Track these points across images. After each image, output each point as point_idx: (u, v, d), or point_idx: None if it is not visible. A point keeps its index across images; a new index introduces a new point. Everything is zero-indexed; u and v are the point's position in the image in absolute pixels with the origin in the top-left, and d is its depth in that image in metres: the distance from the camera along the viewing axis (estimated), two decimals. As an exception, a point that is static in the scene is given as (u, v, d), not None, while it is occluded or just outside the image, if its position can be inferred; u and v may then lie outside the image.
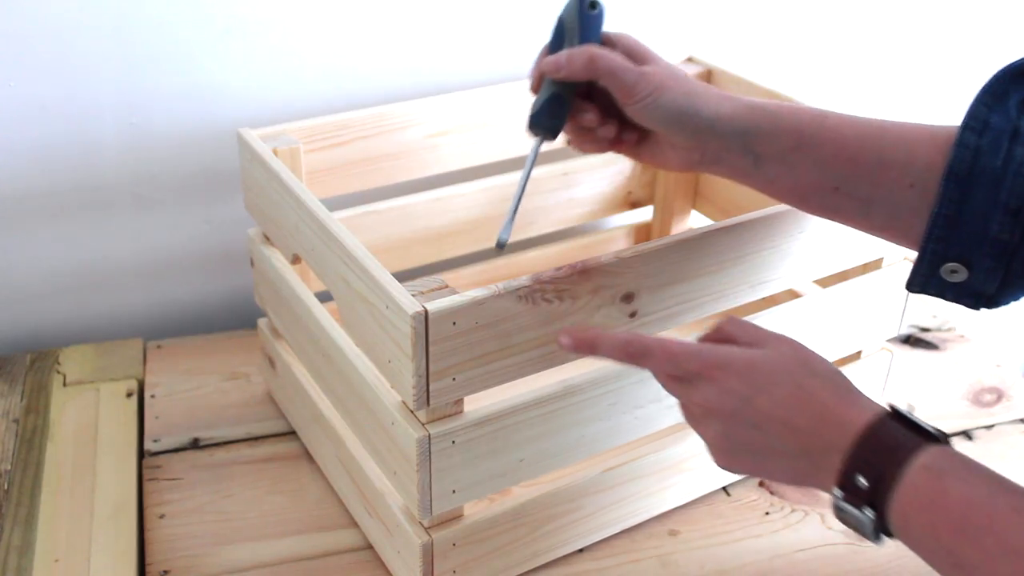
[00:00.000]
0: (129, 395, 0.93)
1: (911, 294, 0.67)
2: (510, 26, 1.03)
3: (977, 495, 0.52)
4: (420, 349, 0.60)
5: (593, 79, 0.65)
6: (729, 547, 0.80)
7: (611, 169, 1.04)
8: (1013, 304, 0.65)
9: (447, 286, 0.63)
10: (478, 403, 0.66)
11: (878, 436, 0.56)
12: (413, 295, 0.61)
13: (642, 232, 1.10)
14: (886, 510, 0.54)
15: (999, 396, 0.98)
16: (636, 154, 0.70)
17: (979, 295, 0.64)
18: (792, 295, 0.90)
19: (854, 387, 0.60)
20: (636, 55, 0.66)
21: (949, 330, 1.08)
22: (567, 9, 0.67)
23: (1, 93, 0.89)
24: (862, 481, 0.55)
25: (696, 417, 0.62)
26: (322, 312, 0.75)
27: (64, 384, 0.94)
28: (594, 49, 0.64)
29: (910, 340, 1.06)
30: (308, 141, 0.85)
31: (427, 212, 0.93)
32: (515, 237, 1.00)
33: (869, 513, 0.55)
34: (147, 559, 0.77)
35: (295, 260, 0.79)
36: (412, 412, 0.65)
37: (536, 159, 0.69)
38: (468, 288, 0.62)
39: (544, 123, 0.67)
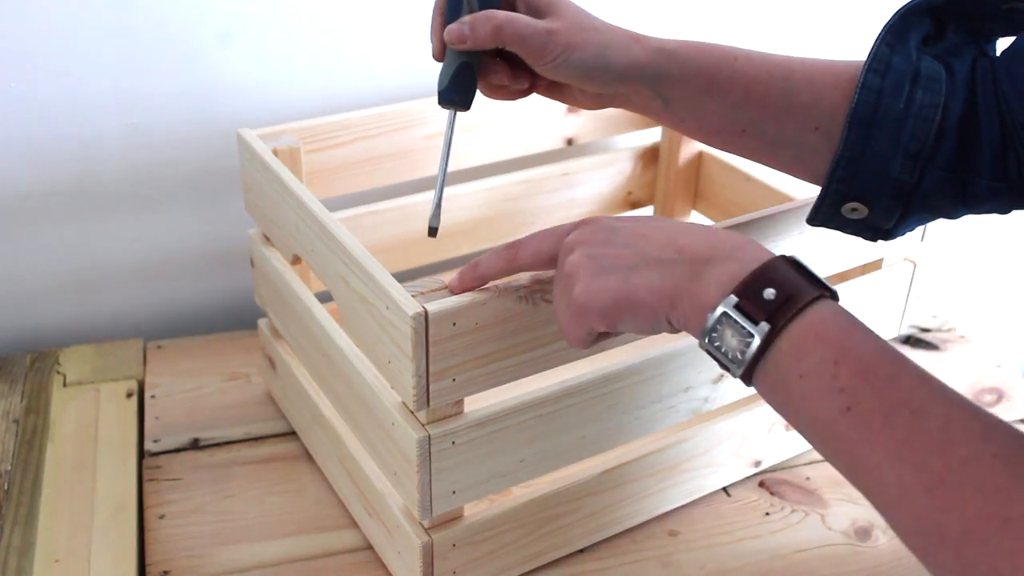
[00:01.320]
0: (129, 395, 0.93)
1: (816, 226, 0.69)
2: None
3: (888, 349, 0.48)
4: (420, 350, 0.60)
5: (499, 47, 0.64)
6: (729, 547, 0.80)
7: (611, 169, 1.04)
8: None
9: (447, 286, 0.63)
10: (478, 404, 0.66)
11: (793, 262, 0.51)
12: (413, 296, 0.61)
13: (642, 232, 1.10)
14: (782, 331, 0.48)
15: (999, 396, 0.98)
16: (549, 95, 0.70)
17: (876, 229, 0.66)
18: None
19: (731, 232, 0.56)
20: (539, 7, 0.65)
21: (949, 330, 1.08)
22: None
23: (1, 93, 0.89)
24: (769, 292, 0.49)
25: (565, 265, 0.56)
26: (322, 312, 0.75)
27: (64, 384, 0.94)
28: (497, 17, 0.63)
29: (910, 340, 1.06)
30: (308, 141, 0.85)
31: (427, 212, 0.93)
32: (516, 237, 1.00)
33: (764, 328, 0.48)
34: (147, 559, 0.77)
35: (295, 260, 0.79)
36: (412, 413, 0.65)
37: (453, 132, 0.67)
38: (468, 288, 0.62)
39: (455, 98, 0.65)
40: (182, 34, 0.92)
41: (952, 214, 0.67)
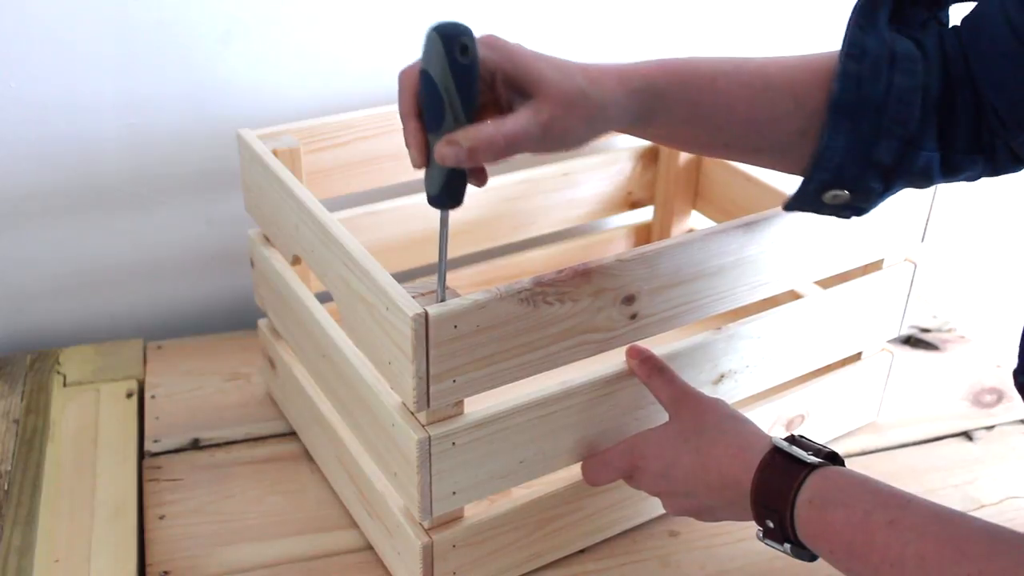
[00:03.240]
0: (129, 395, 0.93)
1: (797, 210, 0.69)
2: (509, 26, 1.03)
3: (853, 517, 0.57)
4: (420, 351, 0.60)
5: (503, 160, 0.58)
6: (729, 547, 0.80)
7: (611, 169, 1.03)
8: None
9: (447, 288, 0.63)
10: (478, 404, 0.66)
11: (767, 483, 0.62)
12: (413, 296, 0.61)
13: (642, 232, 1.10)
14: (794, 540, 0.61)
15: (999, 396, 0.98)
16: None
17: (854, 208, 0.67)
18: (793, 296, 0.90)
19: (743, 430, 0.66)
20: (522, 84, 0.58)
21: (949, 331, 1.08)
22: (430, 58, 0.56)
23: (1, 93, 0.89)
24: (770, 524, 0.61)
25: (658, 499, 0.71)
26: (322, 313, 0.75)
27: (64, 384, 0.94)
28: (495, 141, 0.56)
29: (910, 341, 1.06)
30: (308, 141, 0.85)
31: (427, 212, 0.92)
32: (516, 237, 1.00)
33: (788, 547, 0.61)
34: (147, 559, 0.77)
35: (295, 261, 0.79)
36: (412, 414, 0.65)
37: (448, 228, 0.62)
38: (468, 288, 0.62)
39: (448, 202, 0.60)
40: (182, 34, 0.92)
41: (927, 184, 0.67)
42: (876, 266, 0.83)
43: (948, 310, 1.11)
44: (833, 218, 0.68)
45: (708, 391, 0.77)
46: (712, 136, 0.66)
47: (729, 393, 0.79)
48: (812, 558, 0.62)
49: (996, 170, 0.66)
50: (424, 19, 1.01)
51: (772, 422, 0.84)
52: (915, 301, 0.87)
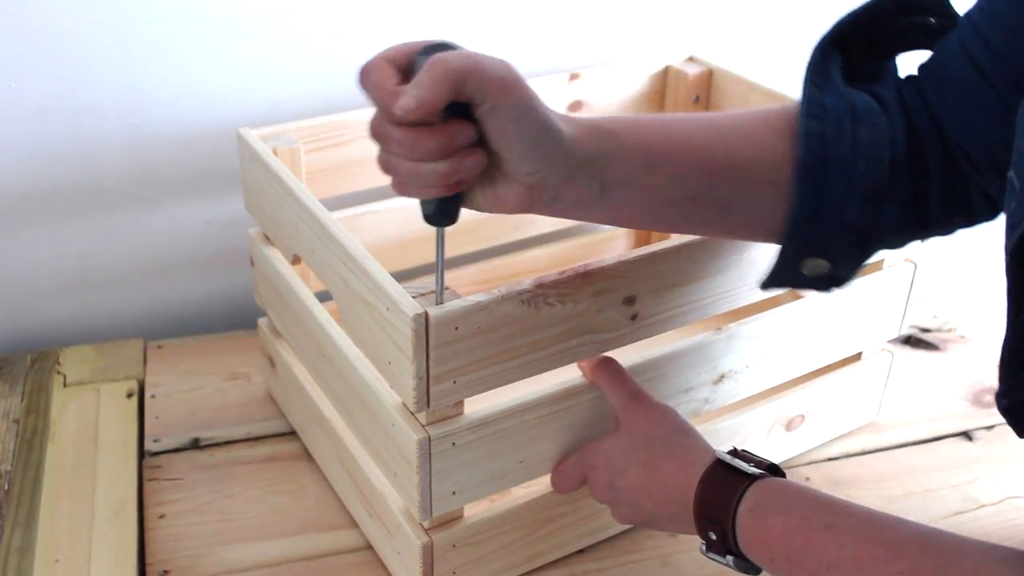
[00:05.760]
0: (129, 395, 0.93)
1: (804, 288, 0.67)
2: (509, 26, 1.03)
3: (792, 523, 0.58)
4: (420, 351, 0.60)
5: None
6: (729, 548, 0.80)
7: (611, 169, 1.03)
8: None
9: (447, 287, 0.63)
10: (478, 404, 0.66)
11: (709, 495, 0.62)
12: (413, 296, 0.61)
13: (642, 233, 1.10)
14: (739, 554, 0.61)
15: (999, 396, 0.98)
16: (471, 197, 0.59)
17: (835, 279, 0.65)
18: (793, 296, 0.90)
19: (689, 444, 0.66)
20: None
21: (949, 330, 1.08)
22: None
23: (1, 93, 0.89)
24: (712, 536, 0.61)
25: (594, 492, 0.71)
26: (322, 312, 0.75)
27: (64, 384, 0.94)
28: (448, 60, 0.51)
29: (910, 340, 1.06)
30: (308, 141, 0.85)
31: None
32: (516, 236, 1.00)
33: (731, 559, 0.61)
34: (147, 559, 0.77)
35: (295, 260, 0.79)
36: (412, 414, 0.65)
37: (444, 244, 0.62)
38: (468, 288, 0.62)
39: (444, 221, 0.59)
40: (182, 34, 0.92)
41: (902, 244, 0.66)
42: (876, 266, 0.83)
43: (948, 310, 1.11)
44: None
45: (708, 391, 0.77)
46: (675, 188, 0.60)
47: (729, 393, 0.79)
48: (756, 571, 0.61)
49: (973, 220, 0.64)
50: (423, 20, 1.01)
51: (772, 422, 0.84)
52: (915, 301, 0.87)
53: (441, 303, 0.61)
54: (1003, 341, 0.54)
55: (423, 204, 0.58)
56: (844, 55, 0.63)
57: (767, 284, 0.65)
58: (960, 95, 0.60)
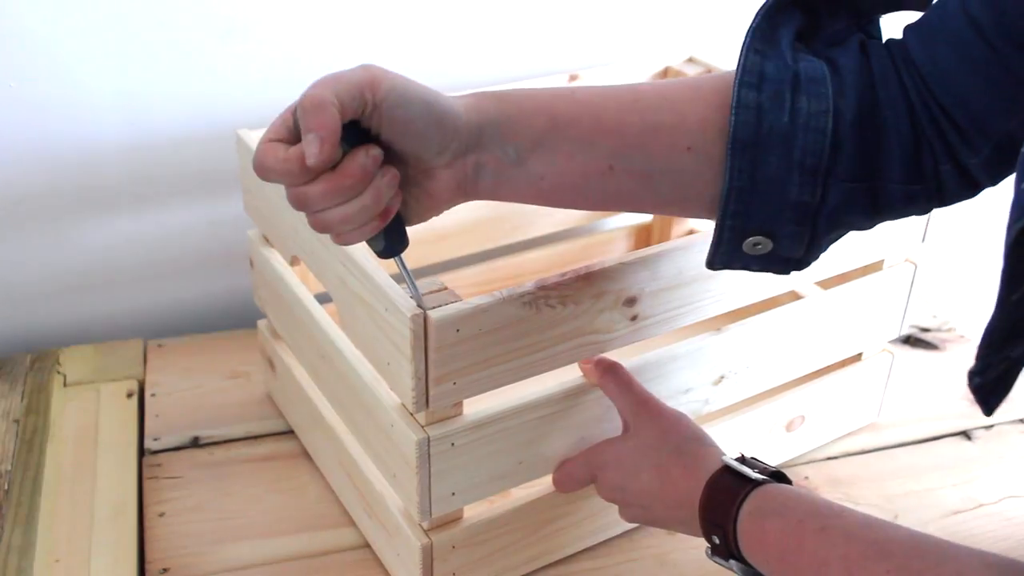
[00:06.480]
0: (129, 396, 0.93)
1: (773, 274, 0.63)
2: (509, 27, 1.03)
3: (788, 525, 0.58)
4: (419, 352, 0.60)
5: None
6: (728, 548, 0.80)
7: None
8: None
9: (446, 288, 0.63)
10: (478, 405, 0.66)
11: (713, 499, 0.62)
12: (410, 296, 0.61)
13: (642, 233, 1.10)
14: (741, 557, 0.61)
15: (999, 397, 0.98)
16: (409, 213, 0.58)
17: (787, 260, 0.61)
18: (794, 296, 0.90)
19: (700, 452, 0.66)
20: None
21: (949, 330, 1.08)
22: None
23: (1, 93, 0.89)
24: (716, 540, 0.62)
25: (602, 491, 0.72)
26: (321, 314, 0.75)
27: (64, 384, 0.94)
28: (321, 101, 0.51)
29: (910, 340, 1.06)
30: (308, 141, 0.85)
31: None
32: (516, 237, 1.00)
33: (734, 563, 0.62)
34: (147, 557, 0.77)
35: (294, 261, 0.79)
36: (411, 414, 0.65)
37: (405, 262, 0.60)
38: (468, 289, 0.62)
39: (396, 249, 0.58)
40: (182, 34, 0.92)
41: (865, 225, 0.61)
42: (876, 266, 0.83)
43: (948, 310, 1.11)
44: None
45: (708, 391, 0.77)
46: (588, 155, 0.58)
47: (729, 393, 0.79)
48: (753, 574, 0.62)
49: (943, 199, 0.60)
50: (422, 20, 1.01)
51: (772, 422, 0.84)
52: (915, 301, 0.87)
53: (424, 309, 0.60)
54: (988, 321, 0.52)
55: (371, 244, 0.58)
56: (809, 14, 0.58)
57: (710, 263, 0.62)
58: (954, 56, 0.55)
